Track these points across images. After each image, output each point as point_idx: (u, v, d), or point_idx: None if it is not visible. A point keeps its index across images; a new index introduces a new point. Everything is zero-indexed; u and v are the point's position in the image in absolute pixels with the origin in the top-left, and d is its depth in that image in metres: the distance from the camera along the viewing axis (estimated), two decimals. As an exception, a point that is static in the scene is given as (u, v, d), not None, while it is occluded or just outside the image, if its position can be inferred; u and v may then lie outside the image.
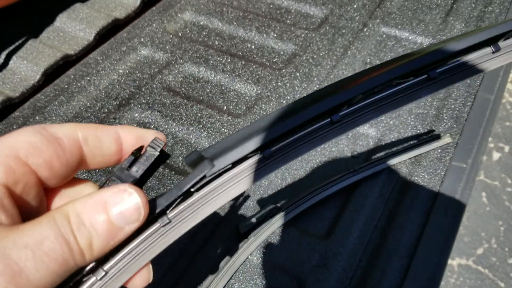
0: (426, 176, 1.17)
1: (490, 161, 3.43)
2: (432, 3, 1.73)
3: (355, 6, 1.72)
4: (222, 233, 1.05)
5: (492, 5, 1.73)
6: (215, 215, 1.09)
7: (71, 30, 1.59)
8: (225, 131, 1.28)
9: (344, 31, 1.61)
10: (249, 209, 1.10)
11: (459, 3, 1.73)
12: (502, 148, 3.58)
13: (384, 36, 1.59)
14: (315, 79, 1.44)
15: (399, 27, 1.62)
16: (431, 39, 1.57)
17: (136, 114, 1.32)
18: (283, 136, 0.46)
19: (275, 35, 1.59)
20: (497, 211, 3.27)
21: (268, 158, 0.46)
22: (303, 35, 1.59)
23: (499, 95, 1.39)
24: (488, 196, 3.35)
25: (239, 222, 1.03)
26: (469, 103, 1.35)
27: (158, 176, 1.16)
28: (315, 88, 1.41)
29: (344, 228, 1.07)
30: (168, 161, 1.21)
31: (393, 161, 1.18)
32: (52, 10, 1.65)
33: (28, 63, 1.44)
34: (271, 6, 1.73)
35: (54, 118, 1.30)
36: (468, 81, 1.43)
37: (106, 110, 1.32)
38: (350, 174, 1.14)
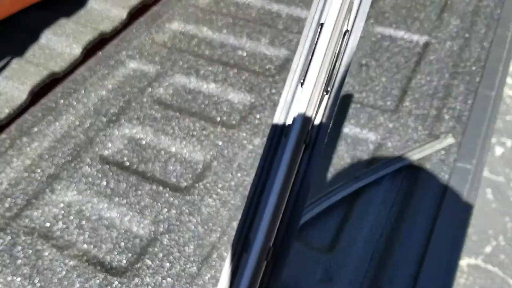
0: (431, 180, 1.13)
1: (493, 156, 3.38)
2: (426, 0, 1.70)
3: (347, 7, 1.68)
4: (221, 252, 1.01)
5: (487, -1, 1.69)
6: (213, 231, 1.04)
7: (57, 46, 1.54)
8: (220, 143, 1.23)
9: (337, 33, 1.57)
10: (248, 224, 1.05)
11: (453, -1, 1.70)
12: (504, 143, 3.54)
13: (379, 36, 1.55)
14: (310, 84, 1.40)
15: (394, 26, 1.58)
16: (427, 36, 1.53)
17: (127, 130, 1.27)
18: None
19: (267, 41, 1.55)
20: (504, 208, 3.22)
21: None
22: (295, 39, 1.55)
23: (500, 91, 1.35)
24: (493, 193, 3.30)
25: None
26: (469, 101, 1.31)
27: (152, 194, 1.12)
28: (311, 93, 1.36)
29: (348, 238, 1.02)
30: (162, 177, 1.16)
31: (395, 166, 1.14)
32: (36, 26, 1.60)
33: (14, 83, 1.40)
34: (262, 11, 1.69)
35: (41, 139, 1.25)
36: (468, 77, 1.39)
37: (95, 128, 1.28)
38: (352, 181, 1.10)
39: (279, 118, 0.32)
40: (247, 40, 1.55)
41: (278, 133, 0.32)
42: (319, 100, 0.32)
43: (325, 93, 0.31)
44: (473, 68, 1.42)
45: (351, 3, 0.31)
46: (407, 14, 1.63)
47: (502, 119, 3.59)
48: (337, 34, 0.31)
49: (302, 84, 0.31)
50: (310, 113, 0.32)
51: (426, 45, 1.51)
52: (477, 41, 1.51)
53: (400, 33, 1.55)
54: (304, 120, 0.31)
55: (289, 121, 0.31)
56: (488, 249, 2.93)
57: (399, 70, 1.42)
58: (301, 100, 0.32)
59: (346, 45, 0.30)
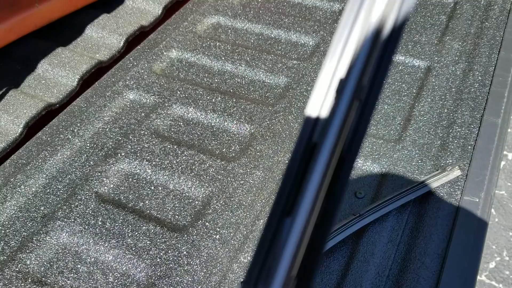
0: (438, 215, 1.09)
1: (495, 170, 3.33)
2: (426, 23, 1.67)
3: (347, 31, 1.65)
4: (221, 296, 0.97)
5: (489, 20, 1.66)
6: (213, 275, 1.00)
7: (53, 76, 1.52)
8: (219, 178, 1.20)
9: (337, 58, 1.54)
10: (250, 266, 1.01)
11: (455, 21, 1.67)
12: (506, 156, 3.50)
13: (380, 61, 1.52)
14: (311, 113, 1.36)
15: (395, 50, 1.55)
16: (428, 62, 1.50)
17: (124, 166, 1.24)
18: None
19: (266, 68, 1.52)
20: (506, 222, 3.18)
21: None
22: (295, 66, 1.52)
23: (506, 118, 1.32)
24: (496, 207, 3.26)
25: (241, 283, 0.94)
26: (475, 130, 1.28)
27: (149, 235, 1.08)
28: (312, 123, 1.33)
29: (353, 281, 0.98)
30: (159, 216, 1.13)
31: (400, 201, 1.10)
32: (32, 56, 1.58)
33: (9, 116, 1.37)
34: (260, 37, 1.66)
35: (37, 176, 1.22)
36: (472, 104, 1.36)
37: (91, 163, 1.25)
38: (356, 219, 1.06)
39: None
40: (246, 68, 1.53)
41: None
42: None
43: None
44: (477, 93, 1.39)
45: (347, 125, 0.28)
46: (407, 38, 1.61)
47: (505, 132, 3.55)
48: (333, 159, 0.28)
49: (288, 214, 0.28)
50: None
51: (428, 70, 1.48)
52: (481, 64, 1.48)
53: (401, 58, 1.52)
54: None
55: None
56: (492, 264, 2.87)
57: (401, 97, 1.39)
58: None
59: (341, 171, 0.27)
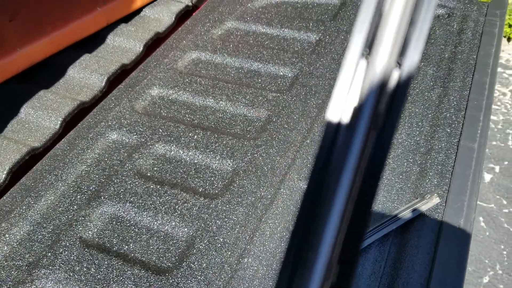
0: (419, 244, 1.11)
1: (482, 183, 3.37)
2: (401, 50, 1.71)
3: (324, 61, 1.69)
4: None
5: (462, 44, 1.71)
6: (198, 317, 1.00)
7: (36, 120, 1.53)
8: (202, 216, 1.21)
9: (315, 89, 1.57)
10: (235, 307, 1.02)
11: (428, 46, 1.72)
12: (493, 169, 3.54)
13: (357, 90, 1.55)
14: (292, 145, 1.39)
15: (371, 79, 1.59)
16: (405, 89, 1.53)
17: (107, 208, 1.25)
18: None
19: (246, 102, 1.55)
20: (497, 235, 3.20)
21: None
22: (275, 99, 1.55)
23: (482, 142, 1.35)
24: (486, 221, 3.29)
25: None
26: (452, 155, 1.30)
27: (134, 279, 1.08)
28: (293, 156, 1.35)
29: (338, 317, 0.99)
30: (144, 259, 1.13)
31: (382, 232, 1.12)
32: (15, 100, 1.59)
33: (-8, 163, 1.38)
34: (240, 70, 1.69)
35: (21, 223, 1.22)
36: (448, 129, 1.39)
37: (75, 207, 1.25)
38: (338, 253, 1.07)
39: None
40: (227, 102, 1.55)
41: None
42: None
43: None
44: (453, 118, 1.42)
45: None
46: (384, 65, 1.64)
47: (488, 144, 3.60)
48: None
49: None
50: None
51: (405, 97, 1.51)
52: (455, 89, 1.52)
53: (379, 86, 1.56)
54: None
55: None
56: (485, 279, 2.88)
57: (380, 126, 1.42)
58: None
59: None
